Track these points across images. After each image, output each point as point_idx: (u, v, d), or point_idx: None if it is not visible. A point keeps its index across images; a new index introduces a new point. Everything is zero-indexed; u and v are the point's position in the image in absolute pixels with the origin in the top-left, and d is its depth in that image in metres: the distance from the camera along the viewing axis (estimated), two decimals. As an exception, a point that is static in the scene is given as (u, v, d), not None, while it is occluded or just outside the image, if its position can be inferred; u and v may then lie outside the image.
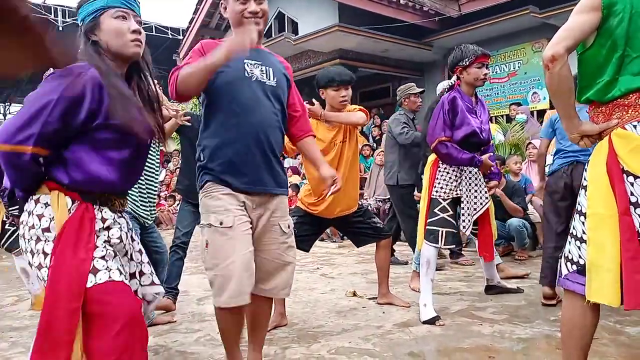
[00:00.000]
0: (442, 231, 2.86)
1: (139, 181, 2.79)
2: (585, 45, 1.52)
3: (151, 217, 2.93)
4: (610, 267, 1.42)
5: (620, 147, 1.45)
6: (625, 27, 1.45)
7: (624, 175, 1.44)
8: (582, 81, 1.55)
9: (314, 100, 2.87)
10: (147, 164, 2.76)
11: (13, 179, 1.36)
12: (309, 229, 2.98)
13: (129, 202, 2.28)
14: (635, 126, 1.45)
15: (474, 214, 2.94)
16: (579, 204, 1.57)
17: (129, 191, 1.59)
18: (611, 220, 1.43)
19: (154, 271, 1.60)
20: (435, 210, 2.91)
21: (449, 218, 2.89)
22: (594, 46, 1.50)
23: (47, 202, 1.36)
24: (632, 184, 1.43)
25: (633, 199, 1.42)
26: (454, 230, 2.89)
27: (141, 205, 2.85)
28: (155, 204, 2.98)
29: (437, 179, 2.94)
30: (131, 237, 1.54)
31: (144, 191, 2.87)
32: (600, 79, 1.51)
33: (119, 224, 1.47)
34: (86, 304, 1.28)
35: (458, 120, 2.85)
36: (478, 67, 2.88)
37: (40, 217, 1.35)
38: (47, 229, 1.34)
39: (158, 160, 2.90)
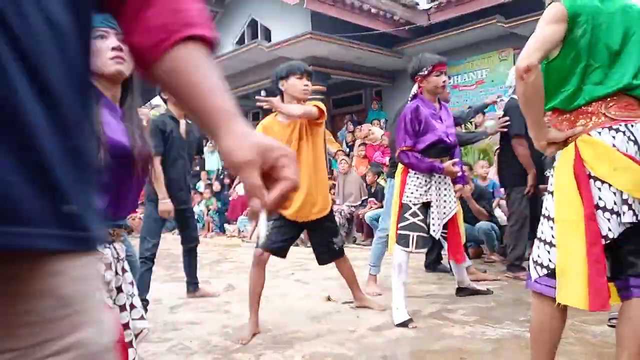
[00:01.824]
0: (412, 235, 2.91)
1: None
2: (549, 57, 1.57)
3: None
4: (578, 270, 1.47)
5: (587, 153, 1.51)
6: (588, 39, 1.51)
7: (591, 180, 1.50)
8: (547, 90, 1.59)
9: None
10: None
11: None
12: (287, 233, 2.92)
13: None
14: (599, 132, 1.51)
15: (444, 218, 3.01)
16: (546, 209, 1.62)
17: None
18: (579, 224, 1.48)
19: (142, 306, 1.55)
20: (406, 215, 2.96)
21: (419, 222, 2.94)
22: (559, 57, 1.55)
23: None
24: (599, 189, 1.49)
25: (601, 204, 1.48)
26: (424, 235, 2.95)
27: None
28: None
29: (407, 184, 3.00)
30: (122, 268, 1.48)
31: None
32: (565, 88, 1.57)
33: (103, 254, 1.39)
34: None
35: (423, 128, 2.92)
36: (437, 75, 2.96)
37: None
38: None
39: None
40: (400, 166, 3.11)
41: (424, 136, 2.93)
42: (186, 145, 3.54)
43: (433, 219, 2.98)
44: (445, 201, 3.02)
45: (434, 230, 2.98)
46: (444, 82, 2.99)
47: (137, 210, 10.40)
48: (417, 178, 2.99)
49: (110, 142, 1.35)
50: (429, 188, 2.98)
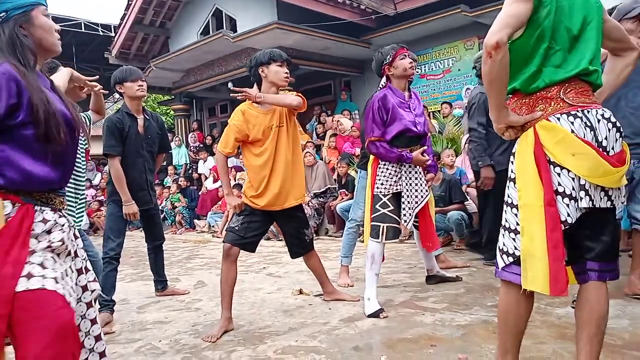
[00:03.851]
0: (382, 226, 2.92)
1: None
2: (513, 36, 1.54)
3: (78, 221, 2.68)
4: (540, 255, 1.48)
5: (547, 139, 1.51)
6: (552, 20, 1.51)
7: (551, 166, 1.51)
8: (510, 71, 1.55)
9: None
10: None
11: None
12: (257, 228, 2.88)
13: None
14: (558, 118, 1.52)
15: (416, 207, 3.02)
16: (508, 197, 1.62)
17: None
18: (541, 209, 1.49)
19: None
20: (377, 206, 2.97)
21: (389, 213, 2.95)
22: (523, 36, 1.54)
23: None
24: (558, 174, 1.50)
25: (560, 189, 1.49)
26: (395, 225, 2.96)
27: (67, 208, 2.59)
28: (83, 208, 2.75)
29: (378, 175, 3.00)
30: (74, 234, 1.51)
31: (71, 192, 2.60)
32: (526, 68, 1.56)
33: (61, 224, 1.43)
34: (15, 309, 1.24)
35: (390, 117, 2.92)
36: (401, 58, 2.97)
37: None
38: None
39: (84, 159, 2.70)
40: (371, 157, 3.10)
41: (391, 126, 2.93)
42: (145, 142, 3.36)
43: (404, 208, 2.99)
44: (416, 190, 3.03)
45: (405, 220, 3.00)
46: (410, 63, 2.98)
47: (102, 208, 10.07)
48: (387, 169, 2.99)
49: (60, 114, 1.40)
50: (399, 178, 2.99)
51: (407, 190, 2.99)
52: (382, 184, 2.98)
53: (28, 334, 1.24)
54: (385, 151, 2.92)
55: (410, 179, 3.01)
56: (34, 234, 1.34)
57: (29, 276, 1.27)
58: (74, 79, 2.41)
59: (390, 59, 2.96)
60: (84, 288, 1.45)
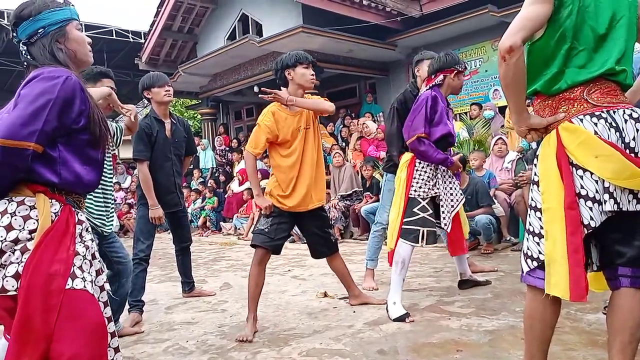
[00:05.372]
0: (422, 231, 2.89)
1: None
2: (533, 37, 1.52)
3: (108, 225, 2.76)
4: (562, 260, 1.45)
5: (569, 140, 1.47)
6: (574, 20, 1.47)
7: (573, 169, 1.47)
8: (530, 72, 1.54)
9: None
10: None
11: None
12: (286, 229, 2.91)
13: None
14: (581, 120, 1.48)
15: (452, 211, 2.99)
16: (532, 200, 1.59)
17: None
18: (562, 213, 1.45)
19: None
20: (415, 209, 2.93)
21: (429, 217, 2.92)
22: (543, 37, 1.51)
23: (32, 205, 1.36)
24: (581, 177, 1.46)
25: (583, 192, 1.45)
26: (434, 230, 2.94)
27: (96, 212, 2.64)
28: (112, 211, 2.82)
29: (415, 178, 2.96)
30: (90, 238, 1.56)
31: (100, 197, 2.68)
32: (548, 70, 1.53)
33: (87, 226, 1.50)
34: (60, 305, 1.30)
35: (437, 118, 2.89)
36: (464, 75, 3.02)
37: (25, 218, 1.35)
38: (34, 231, 1.34)
39: (110, 164, 2.78)
40: (405, 159, 3.06)
41: (436, 127, 2.89)
42: (173, 146, 3.44)
43: (443, 212, 2.96)
44: (452, 194, 3.01)
45: (445, 224, 2.97)
46: (461, 82, 3.01)
47: (131, 211, 10.27)
48: (425, 172, 2.96)
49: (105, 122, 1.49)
50: (436, 182, 2.97)
51: (445, 194, 2.97)
52: (420, 187, 2.94)
53: (66, 332, 1.28)
54: (432, 150, 2.86)
55: (445, 182, 2.99)
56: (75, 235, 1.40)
57: (73, 276, 1.33)
58: (111, 100, 2.49)
59: (461, 69, 2.97)
60: (101, 288, 1.52)
